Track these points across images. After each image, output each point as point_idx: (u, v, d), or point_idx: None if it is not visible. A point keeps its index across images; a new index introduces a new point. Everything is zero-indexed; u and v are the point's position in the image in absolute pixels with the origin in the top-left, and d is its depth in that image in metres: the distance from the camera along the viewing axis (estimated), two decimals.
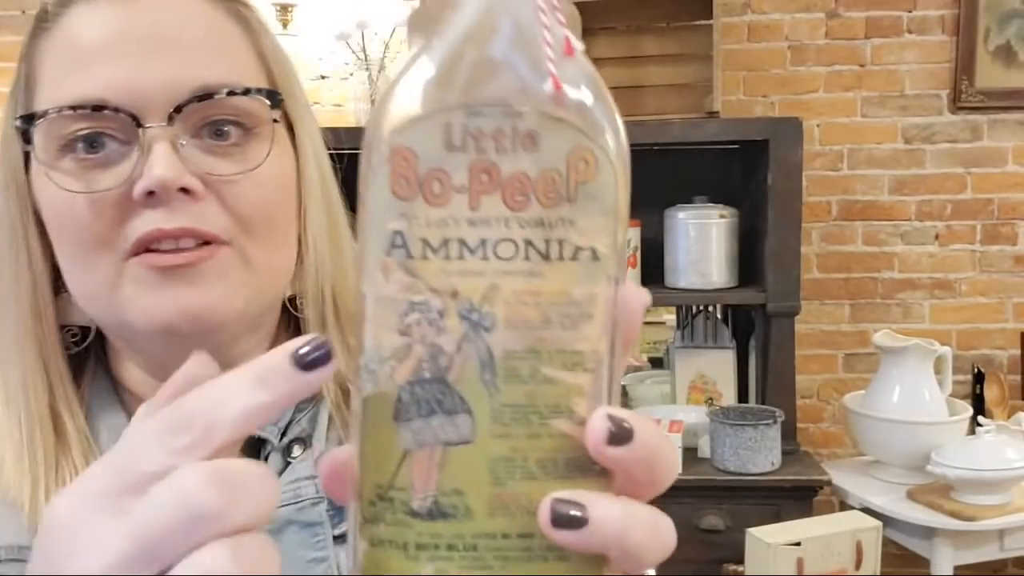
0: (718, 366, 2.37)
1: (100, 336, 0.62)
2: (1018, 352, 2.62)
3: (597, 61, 0.51)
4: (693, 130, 2.27)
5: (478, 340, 0.31)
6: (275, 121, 0.58)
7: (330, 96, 2.71)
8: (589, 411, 0.32)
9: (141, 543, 0.29)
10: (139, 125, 0.54)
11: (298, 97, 0.62)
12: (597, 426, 0.31)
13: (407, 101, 0.31)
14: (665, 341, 2.57)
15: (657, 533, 0.32)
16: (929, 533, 2.04)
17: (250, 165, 0.57)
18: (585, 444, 0.32)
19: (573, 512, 0.31)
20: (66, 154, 0.55)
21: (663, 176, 2.24)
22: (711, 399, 2.35)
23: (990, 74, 2.56)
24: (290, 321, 0.65)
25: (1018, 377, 2.62)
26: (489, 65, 0.31)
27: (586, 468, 0.32)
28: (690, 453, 2.19)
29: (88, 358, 0.63)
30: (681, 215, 2.26)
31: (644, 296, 0.33)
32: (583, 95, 0.32)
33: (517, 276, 0.31)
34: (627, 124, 0.32)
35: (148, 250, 0.54)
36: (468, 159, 0.31)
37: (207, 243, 0.55)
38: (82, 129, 0.54)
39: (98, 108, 0.54)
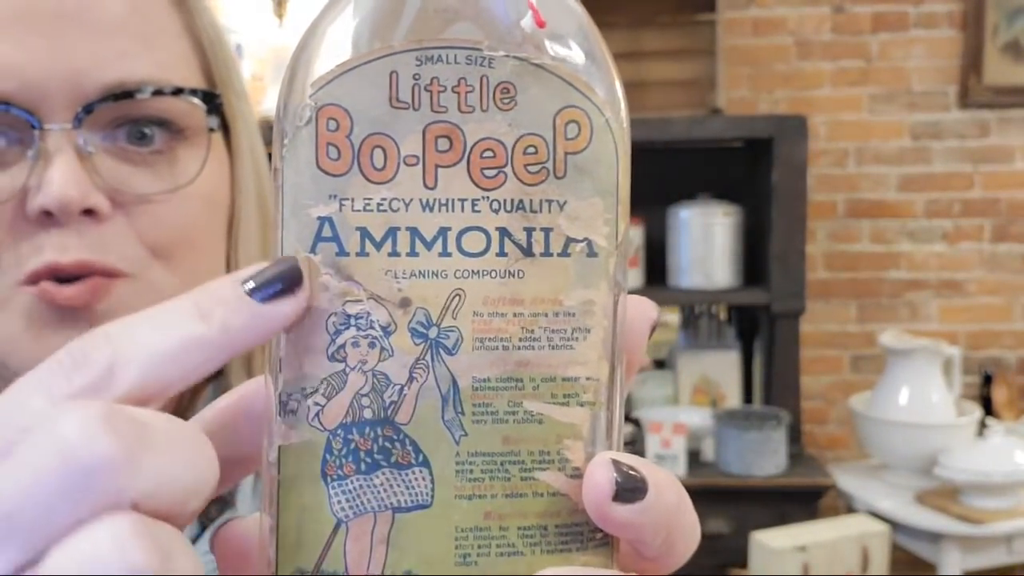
0: (722, 367, 2.33)
1: None
2: None
3: None
4: (696, 127, 2.24)
5: (437, 366, 0.24)
6: (211, 130, 0.48)
7: None
8: (587, 459, 0.24)
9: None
10: (35, 127, 0.43)
11: (236, 88, 0.51)
12: (599, 477, 0.24)
13: (336, 43, 0.24)
14: (668, 342, 2.54)
15: None
16: (936, 537, 2.01)
17: (176, 181, 0.46)
18: (583, 503, 0.24)
19: None
20: None
21: (666, 174, 2.21)
22: (715, 401, 2.32)
23: (998, 70, 2.53)
24: None
25: None
26: None
27: (584, 537, 0.25)
28: (693, 456, 2.16)
29: None
30: (684, 214, 2.22)
31: (650, 310, 0.26)
32: (574, 40, 0.25)
33: (489, 278, 0.24)
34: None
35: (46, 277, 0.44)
36: (422, 120, 0.24)
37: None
38: None
39: None
